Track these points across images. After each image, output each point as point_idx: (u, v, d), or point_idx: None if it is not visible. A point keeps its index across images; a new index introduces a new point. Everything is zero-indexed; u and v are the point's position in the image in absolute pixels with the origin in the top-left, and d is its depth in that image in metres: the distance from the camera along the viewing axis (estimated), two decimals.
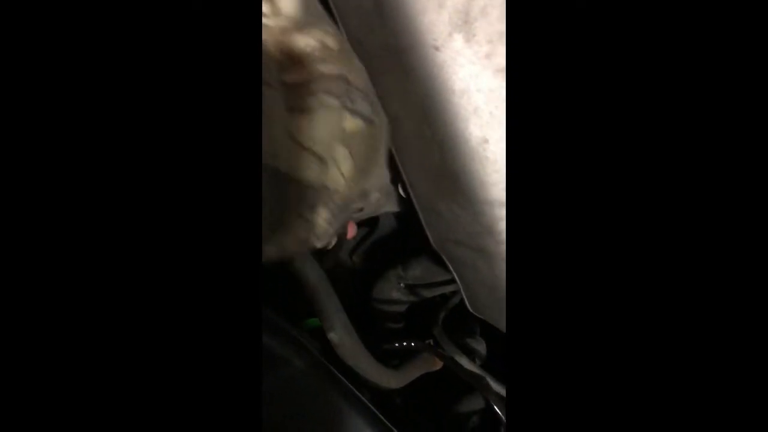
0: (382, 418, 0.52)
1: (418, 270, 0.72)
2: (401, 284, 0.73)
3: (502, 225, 0.47)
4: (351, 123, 0.41)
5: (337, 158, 0.42)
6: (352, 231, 0.61)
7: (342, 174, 0.42)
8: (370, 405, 0.52)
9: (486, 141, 0.44)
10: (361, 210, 0.54)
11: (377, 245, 0.81)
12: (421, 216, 0.55)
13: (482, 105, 0.43)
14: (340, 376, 0.52)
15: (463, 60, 0.41)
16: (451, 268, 0.56)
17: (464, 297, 0.57)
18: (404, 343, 0.67)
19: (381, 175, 0.51)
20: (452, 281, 0.70)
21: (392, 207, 0.70)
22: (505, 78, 0.41)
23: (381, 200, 0.67)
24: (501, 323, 0.56)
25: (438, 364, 0.67)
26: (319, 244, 0.47)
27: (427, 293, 0.73)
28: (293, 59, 0.38)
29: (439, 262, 0.69)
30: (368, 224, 0.82)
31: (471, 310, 0.57)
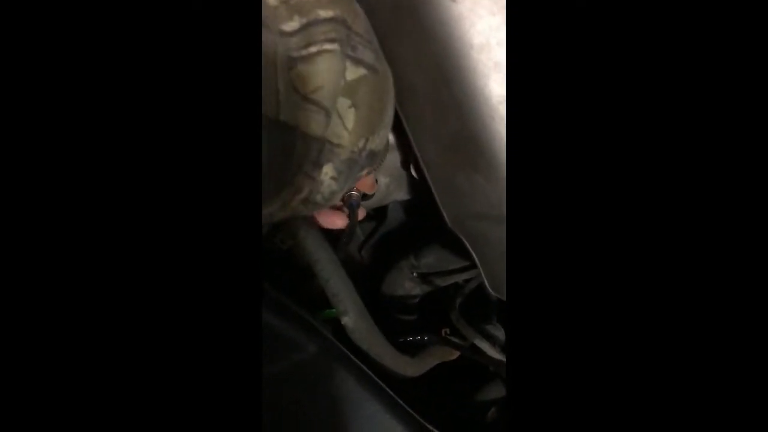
0: (400, 401, 0.49)
1: (432, 258, 0.70)
2: (414, 273, 0.70)
3: None
4: (353, 72, 0.39)
5: (339, 110, 0.40)
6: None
7: (346, 127, 0.40)
8: (387, 388, 0.50)
9: None
10: (370, 172, 0.51)
11: (386, 239, 0.80)
12: (436, 195, 0.53)
13: (503, 60, 0.40)
14: (354, 359, 0.50)
15: (482, 11, 0.39)
16: (469, 248, 0.53)
17: (483, 277, 0.54)
18: (417, 337, 0.65)
19: (387, 133, 0.49)
20: (466, 268, 0.68)
21: (402, 195, 0.67)
22: None
23: (391, 186, 0.65)
24: None
25: (454, 354, 0.65)
26: (324, 203, 0.45)
27: (441, 282, 0.71)
28: (291, 6, 0.36)
29: (453, 248, 0.67)
30: (376, 218, 0.80)
31: (491, 291, 0.54)
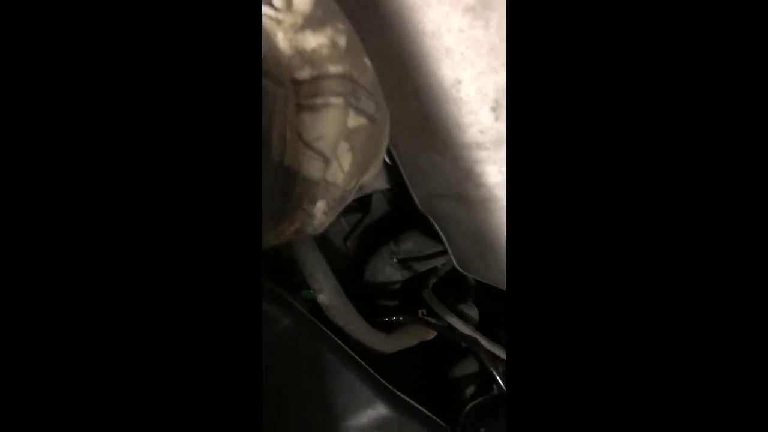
0: (373, 372, 0.52)
1: (410, 243, 0.73)
2: (394, 259, 0.73)
3: (479, 168, 0.47)
4: (354, 120, 0.42)
5: (339, 155, 0.43)
6: None
7: (342, 169, 0.44)
8: (362, 361, 0.52)
9: (459, 82, 0.45)
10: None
11: (371, 229, 0.82)
12: (406, 178, 0.56)
13: (453, 45, 0.44)
14: (328, 332, 0.52)
15: (433, 0, 0.42)
16: (437, 228, 0.56)
17: (451, 256, 0.57)
18: (393, 318, 0.67)
19: (377, 170, 0.52)
20: (443, 252, 0.71)
21: (381, 183, 0.71)
22: (473, 17, 0.42)
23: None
24: (486, 275, 0.56)
25: (431, 334, 0.67)
26: (314, 233, 0.48)
27: (420, 267, 0.73)
28: (305, 58, 0.39)
29: (430, 233, 0.69)
30: (361, 209, 0.83)
31: (458, 268, 0.57)
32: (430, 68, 0.45)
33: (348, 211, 0.83)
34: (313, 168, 0.41)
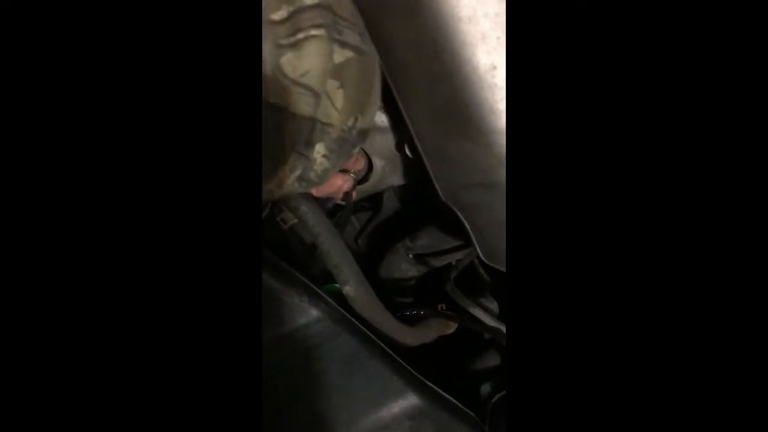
0: (405, 364, 0.52)
1: (426, 239, 0.73)
2: (410, 255, 0.73)
3: None
4: (340, 54, 0.42)
5: (329, 91, 0.42)
6: (357, 165, 0.61)
7: (335, 107, 0.43)
8: (389, 350, 0.52)
9: (494, 68, 0.45)
10: (358, 147, 0.54)
11: (382, 227, 0.82)
12: (429, 168, 0.56)
13: (489, 31, 0.44)
14: (356, 322, 0.52)
15: None
16: (462, 219, 0.56)
17: (477, 247, 0.57)
18: (414, 311, 0.67)
19: (375, 111, 0.52)
20: (460, 248, 0.70)
21: (397, 178, 0.70)
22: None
23: (386, 169, 0.68)
24: None
25: (451, 328, 0.67)
26: (317, 180, 0.48)
27: (436, 262, 0.73)
28: None
29: (447, 228, 0.69)
30: (372, 207, 0.83)
31: (485, 260, 0.57)
32: (465, 54, 0.45)
33: (359, 210, 0.82)
34: (303, 104, 0.41)
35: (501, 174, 0.49)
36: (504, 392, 0.59)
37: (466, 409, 0.53)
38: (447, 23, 0.44)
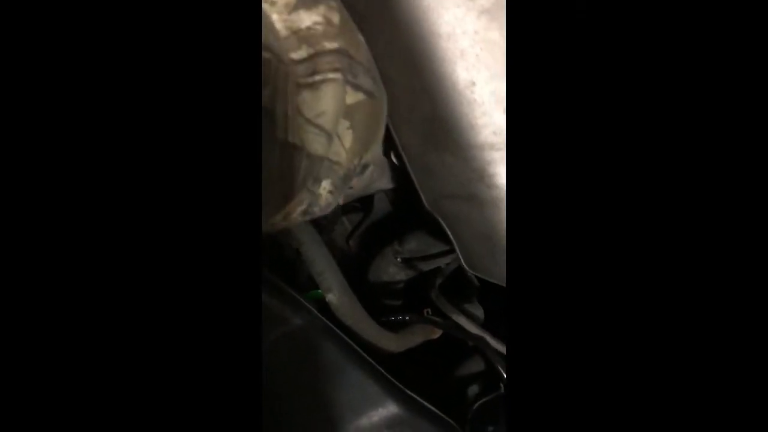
0: (383, 371, 0.52)
1: (414, 243, 0.73)
2: (398, 258, 0.73)
3: (492, 169, 0.48)
4: (352, 96, 0.43)
5: (339, 131, 0.43)
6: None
7: (344, 147, 0.44)
8: (370, 360, 0.53)
9: (473, 84, 0.45)
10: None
11: (373, 229, 0.82)
12: (414, 178, 0.57)
13: (468, 48, 0.44)
14: (338, 331, 0.53)
15: (449, 2, 0.43)
16: (446, 229, 0.57)
17: (459, 256, 0.57)
18: (399, 317, 0.67)
19: (379, 148, 0.53)
20: (447, 252, 0.71)
21: (386, 182, 0.71)
22: (489, 19, 0.43)
23: (375, 173, 0.69)
24: (496, 275, 0.57)
25: (436, 333, 0.68)
26: (320, 214, 0.48)
27: (424, 266, 0.74)
28: (300, 37, 0.39)
29: (435, 233, 0.70)
30: (363, 209, 0.83)
31: (467, 268, 0.58)
32: (445, 70, 0.45)
33: (350, 210, 0.83)
34: (317, 144, 0.41)
35: (479, 188, 0.49)
36: (487, 398, 0.59)
37: (445, 417, 0.53)
38: (427, 40, 0.45)
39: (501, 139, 0.46)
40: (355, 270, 0.81)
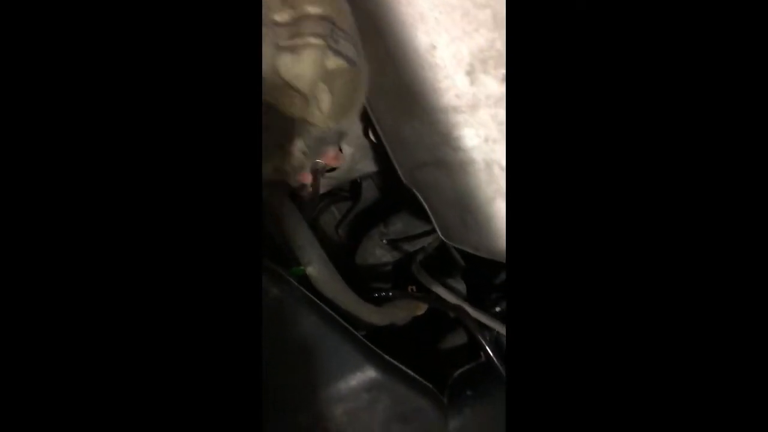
0: (362, 338, 0.53)
1: (399, 224, 0.74)
2: (384, 240, 0.74)
3: (456, 132, 0.49)
4: (333, 62, 0.44)
5: (318, 95, 0.44)
6: (336, 161, 0.63)
7: (320, 109, 0.45)
8: (352, 329, 0.53)
9: (434, 47, 0.46)
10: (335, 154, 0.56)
11: (361, 216, 0.83)
12: (390, 151, 0.58)
13: (427, 11, 0.45)
14: (316, 300, 0.53)
15: None
16: (421, 200, 0.58)
17: (436, 227, 0.58)
18: (383, 293, 0.68)
19: (356, 118, 0.54)
20: (431, 231, 0.72)
21: (369, 164, 0.72)
22: None
23: (356, 156, 0.70)
24: (468, 242, 0.57)
25: (422, 309, 0.68)
26: (292, 173, 0.50)
27: (409, 247, 0.74)
28: (285, 0, 0.41)
29: (417, 211, 0.71)
30: (351, 197, 0.84)
31: (443, 239, 0.59)
32: (406, 34, 0.46)
33: (339, 199, 0.84)
34: (291, 105, 0.43)
35: (446, 152, 0.50)
36: (466, 367, 0.60)
37: (423, 381, 0.54)
38: (386, 4, 0.46)
39: (463, 101, 0.48)
40: (345, 258, 0.82)
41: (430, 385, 0.54)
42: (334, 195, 0.85)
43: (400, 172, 0.59)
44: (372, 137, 0.63)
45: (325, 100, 0.45)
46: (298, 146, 0.47)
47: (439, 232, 0.59)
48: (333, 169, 0.69)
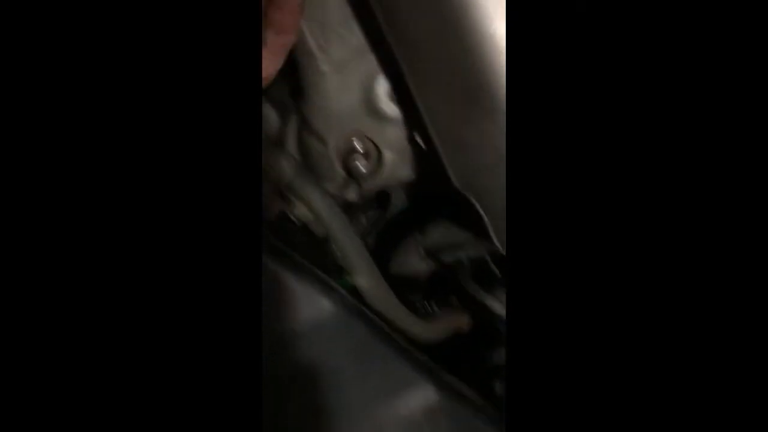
0: (416, 354, 0.51)
1: (437, 234, 0.72)
2: (420, 249, 0.72)
3: None
4: None
5: None
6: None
7: None
8: (402, 342, 0.51)
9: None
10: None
11: (391, 224, 0.81)
12: (443, 155, 0.55)
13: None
14: (369, 313, 0.51)
15: None
16: (477, 207, 0.55)
17: (493, 236, 0.55)
18: (428, 306, 0.66)
19: None
20: (471, 242, 0.69)
21: (407, 171, 0.69)
22: None
23: (396, 162, 0.67)
24: None
25: (467, 324, 0.66)
26: None
27: (447, 258, 0.72)
28: None
29: (458, 222, 0.68)
30: (380, 206, 0.82)
31: (499, 247, 0.56)
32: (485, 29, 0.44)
33: (368, 209, 0.81)
34: None
35: None
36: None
37: (485, 403, 0.52)
38: None
39: None
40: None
41: (491, 407, 0.52)
42: (363, 204, 0.82)
43: (453, 179, 0.56)
44: (420, 142, 0.60)
45: None
46: None
47: (495, 240, 0.56)
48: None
